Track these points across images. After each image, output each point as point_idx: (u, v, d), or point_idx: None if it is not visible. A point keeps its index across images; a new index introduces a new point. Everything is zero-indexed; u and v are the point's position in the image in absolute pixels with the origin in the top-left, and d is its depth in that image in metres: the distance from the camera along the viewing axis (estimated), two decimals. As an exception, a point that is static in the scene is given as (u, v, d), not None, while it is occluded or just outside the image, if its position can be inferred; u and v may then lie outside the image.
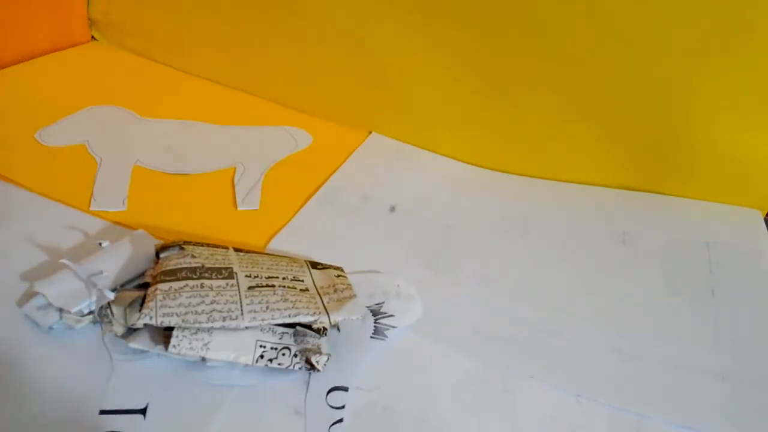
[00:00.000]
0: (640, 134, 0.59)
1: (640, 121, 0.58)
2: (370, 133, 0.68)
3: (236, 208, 0.54)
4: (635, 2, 0.51)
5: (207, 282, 0.38)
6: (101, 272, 0.40)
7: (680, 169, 0.60)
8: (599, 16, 0.53)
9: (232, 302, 0.37)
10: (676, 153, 0.59)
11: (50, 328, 0.39)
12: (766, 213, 0.60)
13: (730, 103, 0.54)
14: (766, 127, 0.55)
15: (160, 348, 0.37)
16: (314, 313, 0.39)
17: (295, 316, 0.38)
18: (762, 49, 0.50)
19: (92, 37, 0.78)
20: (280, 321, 0.37)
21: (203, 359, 0.37)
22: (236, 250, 0.44)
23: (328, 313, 0.39)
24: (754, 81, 0.52)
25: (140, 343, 0.37)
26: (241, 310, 0.37)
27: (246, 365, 0.37)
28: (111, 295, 0.39)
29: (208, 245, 0.43)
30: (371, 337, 0.42)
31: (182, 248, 0.42)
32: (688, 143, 0.57)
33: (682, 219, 0.59)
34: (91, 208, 0.51)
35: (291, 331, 0.39)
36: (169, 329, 0.36)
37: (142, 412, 0.36)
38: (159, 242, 0.45)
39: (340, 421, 0.37)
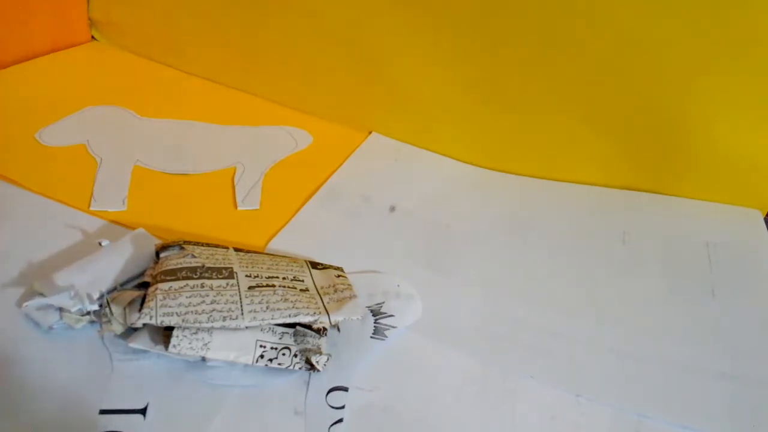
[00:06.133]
0: (640, 134, 0.59)
1: (640, 121, 0.58)
2: (370, 133, 0.68)
3: (236, 208, 0.54)
4: (636, 2, 0.51)
5: (207, 282, 0.38)
6: (71, 288, 0.39)
7: (680, 169, 0.60)
8: (600, 17, 0.53)
9: (233, 302, 0.37)
10: (676, 153, 0.59)
11: (50, 328, 0.39)
12: (766, 213, 0.60)
13: (731, 103, 0.54)
14: (766, 127, 0.55)
15: (160, 348, 0.37)
16: (314, 313, 0.39)
17: (295, 316, 0.38)
18: (763, 48, 0.50)
19: (92, 37, 0.78)
20: (280, 321, 0.37)
21: (203, 359, 0.37)
22: (236, 249, 0.44)
23: (328, 313, 0.39)
24: (755, 81, 0.52)
25: (140, 342, 0.37)
26: (242, 309, 0.37)
27: (246, 365, 0.37)
28: (95, 306, 0.39)
29: (208, 245, 0.43)
30: (371, 337, 0.42)
31: (182, 248, 0.42)
32: (689, 143, 0.57)
33: (682, 219, 0.59)
34: (91, 208, 0.51)
35: (291, 331, 0.39)
36: (169, 329, 0.36)
37: (142, 412, 0.36)
38: (159, 242, 0.45)
39: (340, 421, 0.37)
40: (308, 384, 0.39)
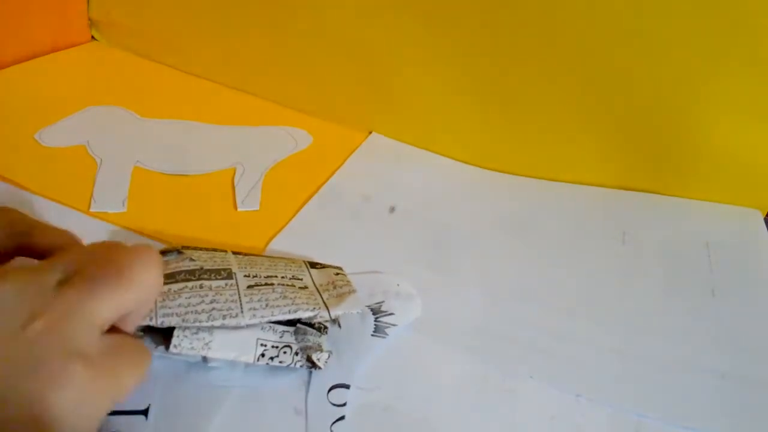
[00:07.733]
0: (639, 134, 0.59)
1: (639, 121, 0.58)
2: (370, 133, 0.68)
3: (236, 208, 0.54)
4: (635, 2, 0.51)
5: (206, 283, 0.38)
6: None
7: (680, 169, 0.60)
8: (599, 16, 0.53)
9: (232, 301, 0.37)
10: (676, 153, 0.59)
11: (50, 328, 0.39)
12: (766, 213, 0.60)
13: (731, 103, 0.54)
14: (767, 127, 0.55)
15: (161, 349, 0.37)
16: (314, 308, 0.39)
17: (295, 312, 0.38)
18: (763, 48, 0.50)
19: (92, 37, 0.78)
20: (280, 317, 0.37)
21: (204, 359, 0.37)
22: (235, 253, 0.44)
23: (327, 308, 0.39)
24: (755, 81, 0.52)
25: (141, 344, 0.37)
26: (241, 308, 0.37)
27: (247, 364, 0.38)
28: None
29: (206, 249, 0.43)
30: (372, 335, 0.42)
31: (181, 252, 0.42)
32: (688, 143, 0.57)
33: (682, 219, 0.59)
34: (91, 209, 0.51)
35: (292, 329, 0.39)
36: (168, 330, 0.36)
37: (144, 413, 0.36)
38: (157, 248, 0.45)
39: (342, 418, 0.37)
40: (309, 382, 0.39)
